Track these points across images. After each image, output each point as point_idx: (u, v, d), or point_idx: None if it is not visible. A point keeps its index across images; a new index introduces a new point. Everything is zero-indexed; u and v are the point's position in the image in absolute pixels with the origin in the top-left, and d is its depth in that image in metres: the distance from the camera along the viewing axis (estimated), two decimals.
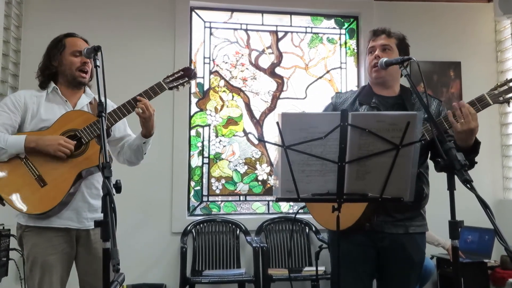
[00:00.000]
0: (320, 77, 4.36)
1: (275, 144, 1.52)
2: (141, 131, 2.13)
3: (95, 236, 2.09)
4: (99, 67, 1.74)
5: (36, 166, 1.96)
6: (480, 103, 1.77)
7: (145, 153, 2.20)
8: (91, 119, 2.01)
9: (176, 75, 2.16)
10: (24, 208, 1.93)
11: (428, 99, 2.00)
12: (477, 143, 1.80)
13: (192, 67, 2.30)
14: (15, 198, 1.93)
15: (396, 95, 2.01)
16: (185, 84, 2.17)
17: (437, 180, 1.92)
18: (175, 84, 2.15)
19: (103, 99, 1.64)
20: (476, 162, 1.84)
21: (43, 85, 2.13)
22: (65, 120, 2.03)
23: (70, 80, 2.11)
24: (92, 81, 2.19)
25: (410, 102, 1.97)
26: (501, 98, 1.78)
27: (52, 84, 2.12)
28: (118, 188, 1.44)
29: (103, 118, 1.60)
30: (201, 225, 3.88)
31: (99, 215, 1.32)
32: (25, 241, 2.02)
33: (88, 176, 2.08)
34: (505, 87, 1.78)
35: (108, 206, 1.36)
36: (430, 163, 1.92)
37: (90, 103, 2.16)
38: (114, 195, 1.39)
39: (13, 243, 2.93)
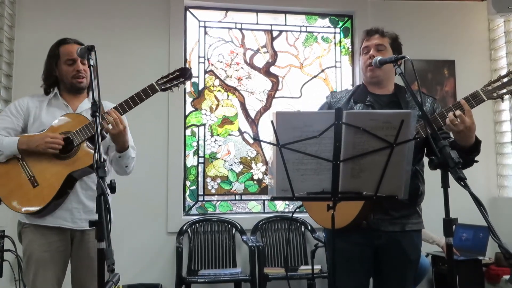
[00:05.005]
0: (315, 76, 4.36)
1: (270, 143, 1.51)
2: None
3: (89, 236, 2.10)
4: (93, 66, 1.75)
5: (30, 167, 2.02)
6: (474, 99, 1.77)
7: (126, 166, 2.15)
8: (84, 122, 2.02)
9: (171, 76, 2.11)
10: (17, 207, 1.99)
11: (422, 97, 2.01)
12: (478, 142, 1.79)
13: (188, 67, 2.26)
14: (10, 198, 2.00)
15: (390, 93, 2.01)
16: (179, 85, 2.12)
17: (431, 178, 1.93)
18: (169, 85, 2.10)
19: (97, 99, 1.63)
20: (477, 161, 1.83)
21: (47, 91, 2.19)
22: (60, 122, 2.07)
23: (69, 87, 2.17)
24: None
25: (404, 100, 1.97)
26: (494, 94, 1.78)
27: (55, 90, 2.18)
28: (112, 188, 1.44)
29: (97, 118, 1.59)
30: (197, 224, 3.87)
31: (95, 216, 1.33)
32: (23, 237, 2.09)
33: (83, 178, 2.07)
34: (499, 83, 1.79)
35: (103, 206, 1.35)
36: (426, 160, 1.92)
37: None
38: (108, 195, 1.39)
39: (8, 244, 2.91)
